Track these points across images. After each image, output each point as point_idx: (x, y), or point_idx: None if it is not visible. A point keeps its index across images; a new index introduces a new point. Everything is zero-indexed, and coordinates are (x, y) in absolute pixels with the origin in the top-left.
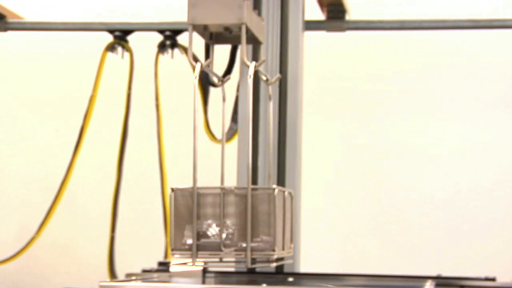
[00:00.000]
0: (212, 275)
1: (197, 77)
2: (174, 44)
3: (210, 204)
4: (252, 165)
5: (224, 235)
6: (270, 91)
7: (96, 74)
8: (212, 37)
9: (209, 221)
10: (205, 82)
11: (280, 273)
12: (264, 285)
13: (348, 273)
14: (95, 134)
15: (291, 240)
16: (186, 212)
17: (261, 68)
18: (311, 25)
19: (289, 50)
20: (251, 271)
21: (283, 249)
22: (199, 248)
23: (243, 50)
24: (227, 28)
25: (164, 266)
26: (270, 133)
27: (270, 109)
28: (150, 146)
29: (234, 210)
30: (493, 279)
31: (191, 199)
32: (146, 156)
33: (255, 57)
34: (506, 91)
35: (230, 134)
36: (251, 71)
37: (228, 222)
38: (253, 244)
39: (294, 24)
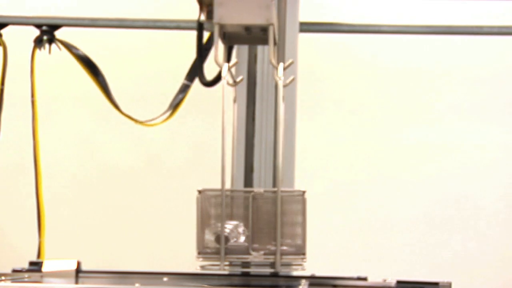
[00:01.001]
0: None
1: (225, 78)
2: (52, 40)
3: (237, 206)
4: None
5: (243, 238)
6: (283, 93)
7: None
8: (226, 36)
9: (234, 224)
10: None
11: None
12: (137, 284)
13: (224, 273)
14: None
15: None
16: (213, 214)
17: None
18: (190, 25)
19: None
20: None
21: None
22: (226, 251)
23: (271, 51)
24: (247, 28)
25: (35, 266)
26: (279, 135)
27: (281, 111)
28: (26, 142)
29: (262, 213)
30: (364, 279)
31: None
32: (21, 152)
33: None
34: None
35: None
36: (280, 72)
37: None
38: (283, 248)
39: (291, 26)
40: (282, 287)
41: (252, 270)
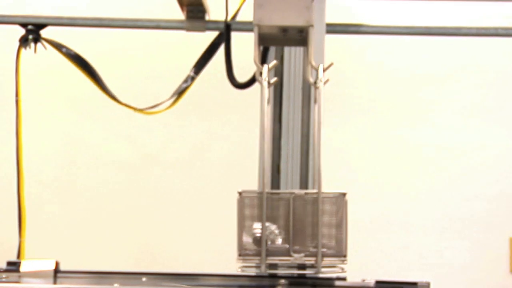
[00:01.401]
0: None
1: (266, 80)
2: (37, 39)
3: (276, 208)
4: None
5: (280, 240)
6: (316, 94)
7: None
8: (261, 38)
9: (273, 226)
10: None
11: None
12: (116, 285)
13: (203, 273)
14: None
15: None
16: (252, 216)
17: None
18: (170, 25)
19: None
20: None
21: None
22: (266, 253)
23: (311, 53)
24: (284, 30)
25: (13, 266)
26: (315, 137)
27: (315, 112)
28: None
29: (302, 215)
30: (344, 279)
31: (259, 203)
32: (4, 152)
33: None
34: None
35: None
36: (321, 74)
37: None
38: (323, 250)
39: (318, 26)
40: (262, 287)
41: (291, 272)
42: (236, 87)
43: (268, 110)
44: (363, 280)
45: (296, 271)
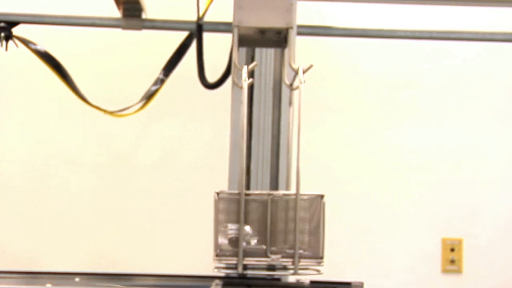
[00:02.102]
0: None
1: (246, 82)
2: (9, 36)
3: (254, 209)
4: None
5: (254, 241)
6: (291, 96)
7: None
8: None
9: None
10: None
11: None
12: (49, 285)
13: (137, 273)
14: None
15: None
16: (228, 217)
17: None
18: (106, 22)
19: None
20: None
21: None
22: (244, 254)
23: (291, 55)
24: (262, 31)
25: None
26: (289, 138)
27: (290, 114)
28: None
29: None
30: (278, 279)
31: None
32: None
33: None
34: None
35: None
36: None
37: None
38: (300, 251)
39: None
40: (195, 287)
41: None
42: (206, 88)
43: (245, 111)
44: (297, 280)
45: (271, 272)
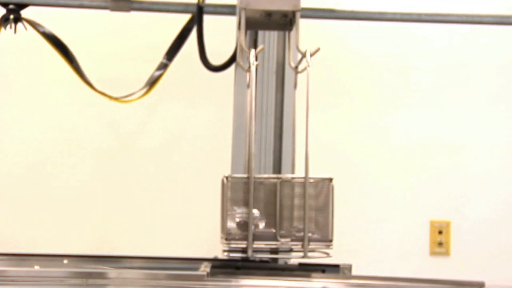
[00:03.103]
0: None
1: (254, 65)
2: (18, 19)
3: (263, 193)
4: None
5: (263, 225)
6: (296, 79)
7: None
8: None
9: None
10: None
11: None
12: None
13: (125, 255)
14: None
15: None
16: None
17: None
18: (94, 4)
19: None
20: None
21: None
22: (253, 237)
23: (298, 38)
24: (269, 14)
25: None
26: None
27: (291, 96)
28: None
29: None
30: (267, 261)
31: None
32: None
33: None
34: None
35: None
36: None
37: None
38: (309, 234)
39: None
40: (183, 269)
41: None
42: (210, 70)
43: (253, 94)
44: (286, 263)
45: (281, 256)
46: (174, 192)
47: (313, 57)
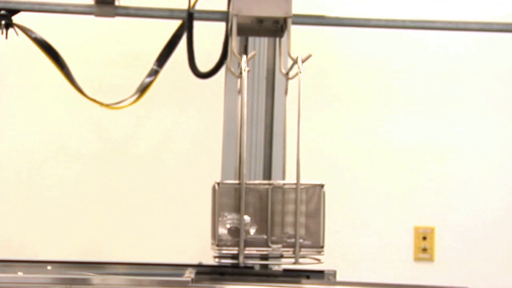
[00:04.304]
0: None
1: (246, 71)
2: (9, 24)
3: (253, 199)
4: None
5: (253, 231)
6: (286, 85)
7: None
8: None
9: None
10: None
11: None
12: (20, 273)
13: (109, 261)
14: None
15: None
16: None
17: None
18: (78, 9)
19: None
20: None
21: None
22: (244, 244)
23: (289, 44)
24: (260, 20)
25: None
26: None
27: (282, 103)
28: None
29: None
30: (251, 268)
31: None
32: None
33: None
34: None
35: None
36: (300, 65)
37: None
38: (300, 241)
39: None
40: (167, 275)
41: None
42: (199, 77)
43: (244, 101)
44: (270, 268)
45: (272, 262)
46: (164, 198)
47: (304, 62)
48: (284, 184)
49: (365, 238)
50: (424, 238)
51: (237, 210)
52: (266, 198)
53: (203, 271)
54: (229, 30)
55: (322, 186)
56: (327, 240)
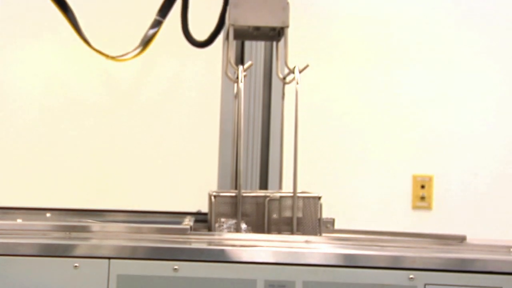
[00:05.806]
0: None
1: (242, 81)
2: None
3: (251, 210)
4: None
5: None
6: (283, 89)
7: None
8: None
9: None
10: None
11: None
12: (19, 220)
13: (109, 209)
14: None
15: None
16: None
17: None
18: None
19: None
20: None
21: None
22: None
23: (286, 53)
24: (257, 28)
25: None
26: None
27: (283, 107)
28: None
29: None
30: None
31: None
32: None
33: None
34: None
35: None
36: (297, 75)
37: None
38: None
39: None
40: (167, 222)
41: None
42: (193, 45)
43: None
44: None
45: None
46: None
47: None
48: (281, 197)
49: (363, 186)
50: (423, 187)
51: (234, 216)
52: (263, 208)
53: (202, 219)
54: (225, 37)
55: (319, 198)
56: (326, 189)
